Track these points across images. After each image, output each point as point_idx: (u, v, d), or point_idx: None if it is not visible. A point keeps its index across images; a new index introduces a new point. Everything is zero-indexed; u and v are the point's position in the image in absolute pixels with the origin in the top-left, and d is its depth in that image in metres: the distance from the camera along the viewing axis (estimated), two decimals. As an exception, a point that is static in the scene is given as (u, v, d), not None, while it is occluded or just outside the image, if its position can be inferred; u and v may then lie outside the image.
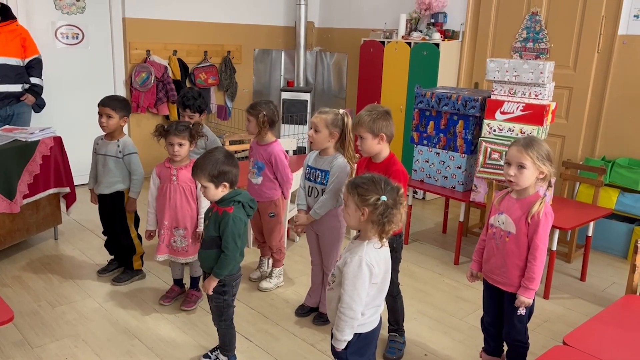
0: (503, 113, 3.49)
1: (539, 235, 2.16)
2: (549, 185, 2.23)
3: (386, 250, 1.93)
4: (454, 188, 3.92)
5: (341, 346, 1.91)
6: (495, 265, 2.30)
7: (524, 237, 2.20)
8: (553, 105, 3.47)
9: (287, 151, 4.69)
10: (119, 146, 3.23)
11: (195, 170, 2.38)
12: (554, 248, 3.37)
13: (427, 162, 4.04)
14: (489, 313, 2.45)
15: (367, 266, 1.82)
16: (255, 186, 3.25)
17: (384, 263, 1.91)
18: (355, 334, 1.91)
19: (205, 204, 2.99)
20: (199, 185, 2.93)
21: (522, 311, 2.28)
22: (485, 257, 2.36)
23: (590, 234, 3.67)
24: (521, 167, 2.16)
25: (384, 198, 1.80)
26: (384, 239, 1.84)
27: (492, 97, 3.55)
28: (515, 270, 2.24)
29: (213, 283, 2.41)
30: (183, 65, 5.69)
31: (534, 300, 2.29)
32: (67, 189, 3.94)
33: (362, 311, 1.88)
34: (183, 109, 3.46)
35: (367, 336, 1.94)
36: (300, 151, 5.56)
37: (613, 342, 2.06)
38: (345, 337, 1.89)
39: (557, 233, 3.35)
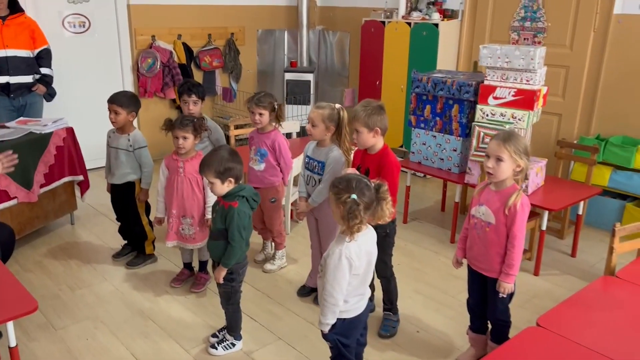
0: (495, 98, 3.60)
1: (516, 225, 2.32)
2: (525, 178, 2.37)
3: (369, 244, 2.10)
4: (449, 170, 4.07)
5: (325, 329, 2.11)
6: (478, 253, 2.47)
7: (503, 227, 2.35)
8: (544, 90, 3.58)
9: (290, 134, 4.88)
10: (129, 140, 3.40)
11: (203, 167, 2.56)
12: (544, 228, 3.53)
13: (425, 144, 4.18)
14: (473, 296, 2.63)
15: (347, 259, 2.00)
16: (257, 173, 3.43)
17: (366, 255, 2.08)
18: (340, 319, 2.10)
19: (212, 194, 3.19)
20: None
21: (503, 294, 2.45)
22: (469, 245, 2.53)
23: (580, 212, 3.82)
24: (499, 160, 2.30)
25: (353, 196, 1.96)
26: (354, 233, 2.00)
27: (485, 82, 3.66)
28: (496, 258, 2.41)
29: (222, 272, 2.61)
30: (188, 49, 5.81)
31: (514, 283, 2.47)
32: (81, 177, 4.15)
33: (346, 299, 2.07)
34: (189, 95, 3.57)
35: (353, 321, 2.14)
36: (303, 132, 5.70)
37: (586, 324, 2.21)
38: (327, 321, 2.08)
39: (546, 214, 3.50)
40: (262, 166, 3.41)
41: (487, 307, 2.58)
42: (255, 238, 3.95)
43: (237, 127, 4.85)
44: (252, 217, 3.64)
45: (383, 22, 5.47)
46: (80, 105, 5.20)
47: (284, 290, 3.38)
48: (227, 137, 4.62)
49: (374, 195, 2.01)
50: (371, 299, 2.90)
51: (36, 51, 4.61)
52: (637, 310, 2.35)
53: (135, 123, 3.53)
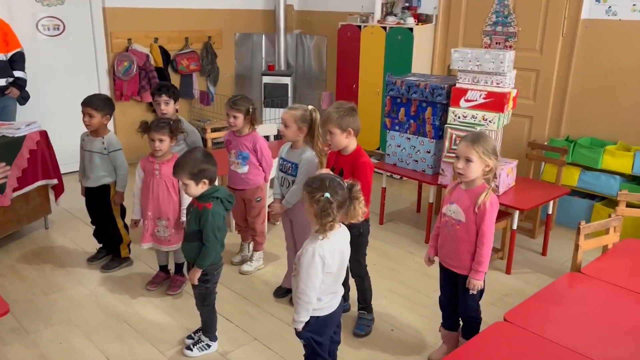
0: (467, 101, 3.68)
1: (485, 223, 2.38)
2: (494, 177, 2.43)
3: (342, 243, 2.14)
4: (424, 171, 4.14)
5: (298, 327, 2.14)
6: (449, 251, 2.53)
7: (472, 225, 2.41)
8: (514, 92, 3.67)
9: (268, 136, 4.91)
10: (103, 143, 3.39)
11: (177, 169, 2.57)
12: (515, 227, 3.61)
13: (399, 146, 4.24)
14: (445, 293, 2.69)
15: (320, 257, 2.03)
16: (241, 175, 3.46)
17: (339, 254, 2.12)
18: (313, 317, 2.13)
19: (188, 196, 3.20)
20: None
21: (473, 291, 2.51)
22: (440, 243, 2.59)
23: (550, 212, 3.91)
24: (468, 160, 2.36)
25: (326, 194, 2.00)
26: (327, 231, 2.04)
27: (457, 85, 3.74)
28: (466, 255, 2.47)
29: (197, 273, 2.62)
30: (164, 53, 5.80)
31: (484, 280, 2.53)
32: (55, 181, 4.11)
33: (319, 297, 2.10)
34: (159, 95, 3.57)
35: (326, 319, 2.17)
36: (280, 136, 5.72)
37: (553, 319, 2.28)
38: (301, 318, 2.11)
39: (517, 214, 3.58)
40: (246, 169, 3.44)
41: (458, 305, 2.64)
42: (232, 239, 3.97)
43: (214, 130, 4.86)
44: (237, 216, 3.70)
45: (359, 26, 5.54)
46: (54, 108, 5.15)
47: (260, 292, 3.40)
48: (205, 140, 4.63)
49: (346, 195, 2.05)
50: (346, 298, 2.96)
51: (9, 54, 4.56)
52: (600, 304, 2.43)
53: (111, 126, 3.53)
